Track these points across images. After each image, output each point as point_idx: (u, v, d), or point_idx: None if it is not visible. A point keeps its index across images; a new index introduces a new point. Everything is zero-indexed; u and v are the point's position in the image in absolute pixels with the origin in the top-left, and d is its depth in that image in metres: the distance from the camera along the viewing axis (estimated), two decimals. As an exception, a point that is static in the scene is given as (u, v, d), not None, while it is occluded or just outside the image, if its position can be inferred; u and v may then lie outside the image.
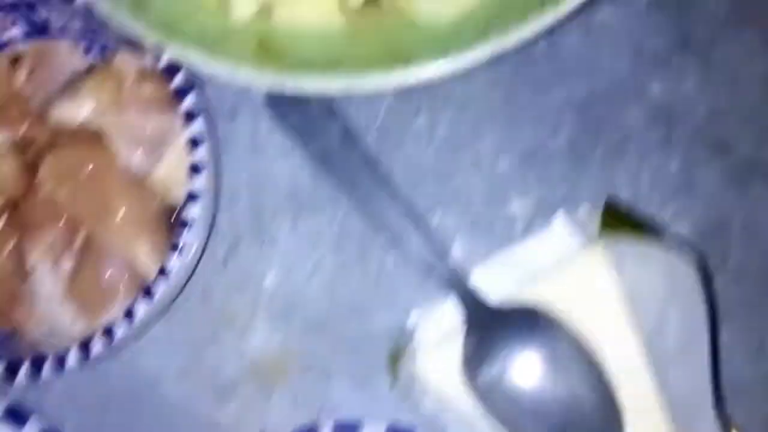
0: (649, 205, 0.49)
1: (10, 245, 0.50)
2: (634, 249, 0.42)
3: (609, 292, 0.44)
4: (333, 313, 0.50)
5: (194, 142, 0.45)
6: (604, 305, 0.44)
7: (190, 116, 0.45)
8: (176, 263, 0.44)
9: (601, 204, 0.47)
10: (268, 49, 0.43)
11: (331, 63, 0.42)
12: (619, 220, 0.45)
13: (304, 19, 0.45)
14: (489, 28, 0.40)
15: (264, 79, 0.42)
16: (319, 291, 0.50)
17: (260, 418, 0.50)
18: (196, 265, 0.50)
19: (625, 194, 0.49)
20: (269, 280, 0.51)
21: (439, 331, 0.46)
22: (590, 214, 0.45)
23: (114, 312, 0.47)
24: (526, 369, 0.43)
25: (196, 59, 0.42)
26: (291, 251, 0.51)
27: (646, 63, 0.50)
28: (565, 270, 0.45)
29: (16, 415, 0.49)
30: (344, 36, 0.45)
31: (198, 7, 0.45)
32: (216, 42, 0.43)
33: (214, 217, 0.50)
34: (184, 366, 0.51)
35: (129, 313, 0.44)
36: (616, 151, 0.49)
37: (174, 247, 0.44)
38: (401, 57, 0.41)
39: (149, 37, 0.42)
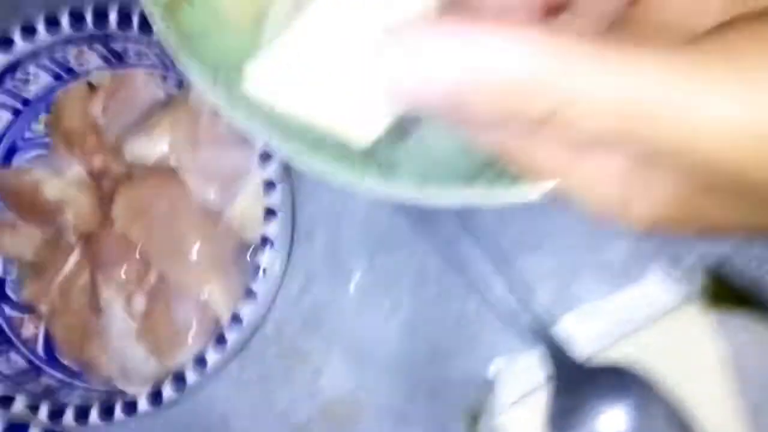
0: (751, 263, 0.45)
1: (84, 279, 0.49)
2: (740, 318, 0.39)
3: (709, 357, 0.41)
4: (410, 357, 0.48)
5: (270, 183, 0.43)
6: (703, 370, 0.41)
7: (266, 156, 0.43)
8: (250, 309, 0.43)
9: (703, 263, 0.43)
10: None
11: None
12: (727, 290, 0.41)
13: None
14: None
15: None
16: (395, 333, 0.48)
17: (332, 463, 0.49)
18: (271, 304, 0.48)
19: (727, 248, 0.45)
20: (344, 320, 0.49)
21: (521, 385, 0.44)
22: (691, 273, 0.42)
23: (186, 353, 0.46)
24: (615, 432, 0.41)
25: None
26: (367, 290, 0.49)
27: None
28: (661, 328, 0.42)
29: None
30: None
31: None
32: None
33: (288, 254, 0.48)
34: (255, 405, 0.49)
35: (201, 360, 0.43)
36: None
37: (248, 292, 0.43)
38: None
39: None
